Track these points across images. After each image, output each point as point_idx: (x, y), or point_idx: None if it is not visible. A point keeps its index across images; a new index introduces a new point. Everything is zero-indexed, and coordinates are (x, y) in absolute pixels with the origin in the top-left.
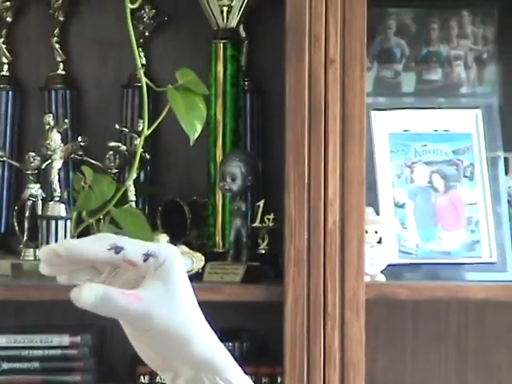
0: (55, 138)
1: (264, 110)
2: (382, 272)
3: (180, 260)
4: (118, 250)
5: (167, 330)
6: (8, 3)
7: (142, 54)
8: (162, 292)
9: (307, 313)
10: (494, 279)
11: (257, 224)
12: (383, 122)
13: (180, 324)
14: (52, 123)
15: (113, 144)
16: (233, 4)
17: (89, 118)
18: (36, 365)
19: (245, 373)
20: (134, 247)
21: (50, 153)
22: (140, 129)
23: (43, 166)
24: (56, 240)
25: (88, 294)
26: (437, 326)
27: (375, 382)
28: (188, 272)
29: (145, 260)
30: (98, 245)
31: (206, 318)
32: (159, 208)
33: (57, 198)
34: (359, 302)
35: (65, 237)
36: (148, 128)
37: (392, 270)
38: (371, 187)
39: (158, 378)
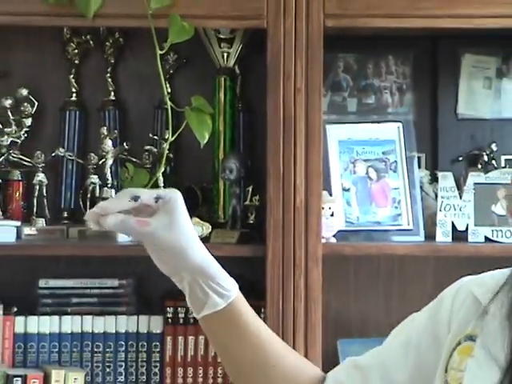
0: (108, 144)
1: (252, 124)
2: (333, 236)
3: (181, 199)
4: (136, 199)
5: (169, 246)
6: (76, 51)
7: (167, 85)
8: (166, 220)
9: (282, 264)
10: (411, 240)
11: (247, 203)
12: (334, 132)
13: (179, 241)
14: (106, 133)
15: (147, 147)
16: (230, 51)
17: (131, 130)
18: (95, 300)
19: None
20: (147, 194)
21: (104, 153)
22: (166, 137)
23: (100, 163)
24: None
25: (111, 219)
26: (371, 273)
27: (329, 311)
28: (199, 236)
29: (156, 201)
30: (122, 199)
31: None
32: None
33: (109, 185)
34: (318, 256)
35: None
36: (172, 136)
37: (340, 235)
38: (326, 177)
39: (179, 309)
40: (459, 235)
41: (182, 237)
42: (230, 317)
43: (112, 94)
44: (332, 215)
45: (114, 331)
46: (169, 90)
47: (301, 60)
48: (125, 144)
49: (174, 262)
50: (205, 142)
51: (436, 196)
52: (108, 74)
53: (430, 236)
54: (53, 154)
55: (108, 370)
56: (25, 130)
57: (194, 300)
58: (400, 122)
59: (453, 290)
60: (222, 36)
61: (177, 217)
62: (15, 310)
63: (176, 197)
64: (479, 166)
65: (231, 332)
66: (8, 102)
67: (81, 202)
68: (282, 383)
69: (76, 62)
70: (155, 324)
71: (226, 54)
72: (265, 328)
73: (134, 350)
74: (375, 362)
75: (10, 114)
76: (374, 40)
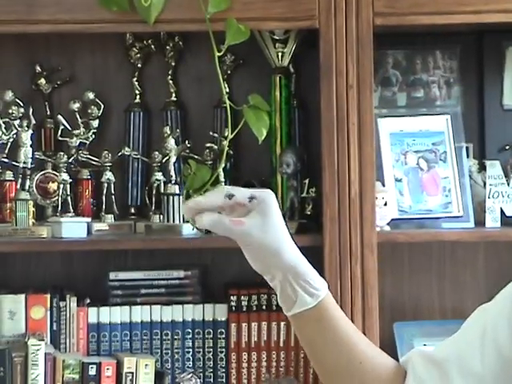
0: (171, 142)
1: (307, 119)
2: (387, 224)
3: (274, 199)
4: (230, 197)
5: (263, 245)
6: (138, 55)
7: (225, 85)
8: (259, 220)
9: (339, 253)
10: (461, 227)
11: (304, 195)
12: (386, 125)
13: (271, 240)
14: (168, 132)
15: (208, 145)
16: (285, 51)
17: (192, 128)
18: (162, 290)
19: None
20: (241, 193)
21: (167, 151)
22: (226, 134)
23: (163, 160)
24: (173, 209)
25: (207, 218)
26: (424, 259)
27: (384, 297)
28: None
29: (249, 201)
30: (217, 196)
31: None
32: (240, 186)
33: (173, 181)
34: (373, 244)
35: (179, 207)
36: (231, 133)
37: (394, 223)
38: (379, 168)
39: (242, 297)
40: (508, 220)
41: (276, 237)
42: (319, 315)
43: (173, 95)
44: (385, 205)
45: (181, 320)
46: (227, 90)
47: (352, 58)
48: (187, 142)
49: (266, 261)
50: (263, 138)
51: (484, 184)
52: (169, 76)
53: (480, 222)
54: (119, 154)
55: (176, 356)
56: (92, 131)
57: (284, 298)
58: (448, 114)
59: None
60: (276, 37)
61: (271, 217)
62: (88, 301)
63: (270, 198)
64: None
65: (319, 330)
66: (76, 106)
67: (147, 198)
68: (369, 379)
69: (139, 65)
70: (220, 312)
71: (280, 54)
72: (352, 326)
73: (200, 337)
74: (452, 356)
75: (78, 116)
76: (422, 36)
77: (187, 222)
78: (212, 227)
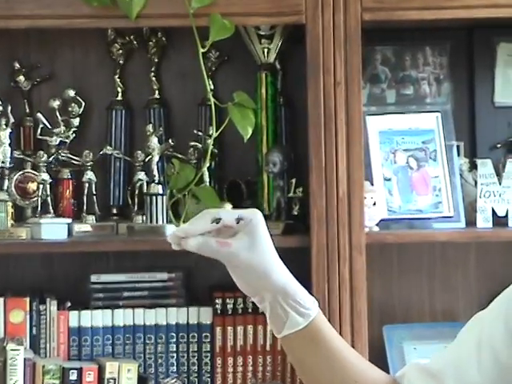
0: (154, 141)
1: (294, 118)
2: (376, 225)
3: (261, 219)
4: (217, 221)
5: (251, 267)
6: (120, 51)
7: (210, 82)
8: (247, 241)
9: (326, 254)
10: (452, 227)
11: (291, 194)
12: (374, 123)
13: (259, 261)
14: (151, 130)
15: (192, 143)
16: (270, 47)
17: (176, 126)
18: (145, 293)
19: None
20: (228, 215)
21: (150, 150)
22: (210, 132)
23: (146, 160)
24: (156, 210)
25: (193, 242)
26: (413, 260)
27: (373, 299)
28: None
29: (237, 222)
30: (204, 222)
31: None
32: (225, 186)
33: (156, 181)
34: (361, 245)
35: (162, 207)
36: (216, 132)
37: (383, 223)
38: (367, 167)
39: (228, 300)
40: (499, 220)
41: (264, 257)
42: (311, 335)
43: (156, 92)
44: (374, 204)
45: (164, 323)
46: (211, 87)
47: (340, 54)
48: (170, 141)
49: (255, 282)
50: (248, 136)
51: (475, 183)
52: (152, 73)
53: (471, 222)
54: (101, 153)
55: (160, 360)
56: (73, 129)
57: (274, 319)
58: (438, 111)
59: None
60: (261, 32)
61: (258, 238)
62: (69, 305)
63: (257, 218)
64: None
65: (312, 350)
66: (56, 103)
67: (129, 199)
68: None
69: (121, 62)
70: (205, 315)
71: (266, 50)
72: (344, 344)
73: (184, 341)
74: (448, 366)
75: (58, 114)
76: (411, 32)
77: (171, 222)
78: (199, 250)
